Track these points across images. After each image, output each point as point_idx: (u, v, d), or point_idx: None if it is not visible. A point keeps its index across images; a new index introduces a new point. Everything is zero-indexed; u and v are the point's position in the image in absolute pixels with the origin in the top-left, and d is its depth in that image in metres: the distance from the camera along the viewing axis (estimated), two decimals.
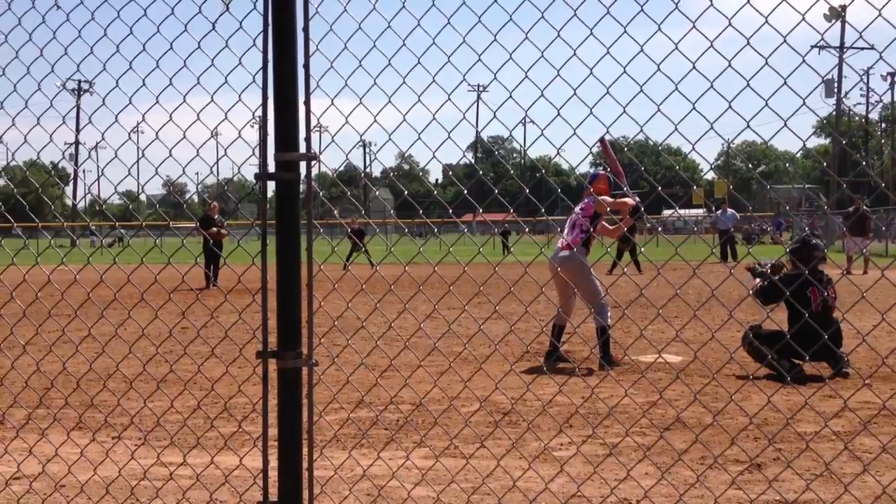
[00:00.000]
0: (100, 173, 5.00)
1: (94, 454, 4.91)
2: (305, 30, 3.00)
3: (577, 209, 8.84)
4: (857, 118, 77.29)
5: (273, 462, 3.07)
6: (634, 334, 9.99)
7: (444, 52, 3.21)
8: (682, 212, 54.12)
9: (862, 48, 48.10)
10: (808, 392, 6.27)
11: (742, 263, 8.33)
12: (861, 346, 7.59)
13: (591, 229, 8.61)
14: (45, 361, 5.62)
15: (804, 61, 2.77)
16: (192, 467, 4.63)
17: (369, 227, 26.04)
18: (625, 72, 3.01)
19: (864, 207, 21.99)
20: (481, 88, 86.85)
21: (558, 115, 3.20)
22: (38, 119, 3.94)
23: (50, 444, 4.79)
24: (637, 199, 8.88)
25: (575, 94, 3.12)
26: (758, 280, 8.14)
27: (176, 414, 6.06)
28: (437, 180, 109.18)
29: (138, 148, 3.97)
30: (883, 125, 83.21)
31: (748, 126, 2.90)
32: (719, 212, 29.09)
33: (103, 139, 3.97)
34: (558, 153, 3.26)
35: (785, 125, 2.88)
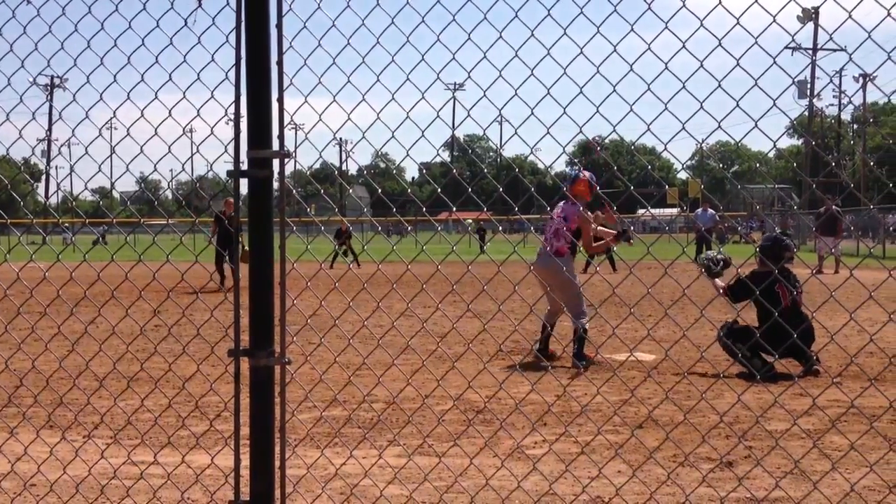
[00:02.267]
0: (71, 169, 4.96)
1: (64, 453, 4.87)
2: (279, 27, 2.99)
3: (558, 214, 8.96)
4: (829, 119, 78.07)
5: (245, 461, 3.06)
6: (607, 333, 10.04)
7: (419, 50, 3.21)
8: (655, 211, 54.43)
9: (834, 50, 48.60)
10: (778, 390, 6.33)
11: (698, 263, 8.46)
12: (831, 345, 7.66)
13: (574, 240, 8.82)
14: (14, 359, 5.55)
15: (775, 62, 2.79)
16: (164, 466, 4.60)
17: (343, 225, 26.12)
18: (598, 72, 3.02)
19: (835, 208, 22.18)
20: (456, 87, 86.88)
21: (532, 114, 3.21)
22: (8, 115, 3.89)
23: (19, 443, 4.74)
24: (625, 224, 9.14)
25: (548, 93, 3.12)
26: (717, 280, 8.25)
27: (147, 413, 6.02)
28: (413, 178, 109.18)
29: (111, 145, 3.94)
30: (854, 126, 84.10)
31: (719, 126, 2.92)
32: (699, 210, 29.31)
33: (73, 135, 3.94)
34: (532, 152, 3.27)
35: (756, 126, 2.90)
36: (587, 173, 9.13)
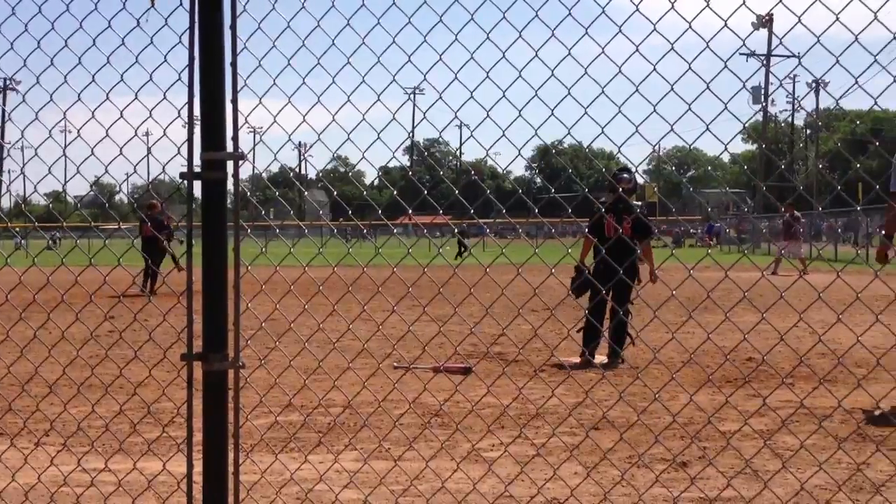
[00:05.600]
0: (21, 172, 4.88)
1: (13, 460, 4.77)
2: (233, 27, 2.96)
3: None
4: (783, 124, 79.27)
5: (198, 467, 3.02)
6: (563, 335, 10.09)
7: (374, 52, 3.20)
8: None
9: (788, 56, 49.38)
10: (730, 391, 6.41)
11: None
12: (782, 346, 7.76)
13: None
14: None
15: (726, 66, 2.83)
16: (115, 473, 4.53)
17: (300, 228, 25.86)
18: (552, 75, 3.04)
19: (789, 215, 22.66)
20: (415, 90, 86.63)
21: (487, 116, 3.22)
22: None
23: None
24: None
25: (504, 96, 3.13)
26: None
27: (98, 419, 5.92)
28: (373, 183, 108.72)
29: (62, 147, 3.87)
30: (807, 132, 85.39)
31: (672, 130, 2.95)
32: None
33: (23, 137, 3.87)
34: (487, 154, 3.28)
35: (707, 129, 2.93)
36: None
